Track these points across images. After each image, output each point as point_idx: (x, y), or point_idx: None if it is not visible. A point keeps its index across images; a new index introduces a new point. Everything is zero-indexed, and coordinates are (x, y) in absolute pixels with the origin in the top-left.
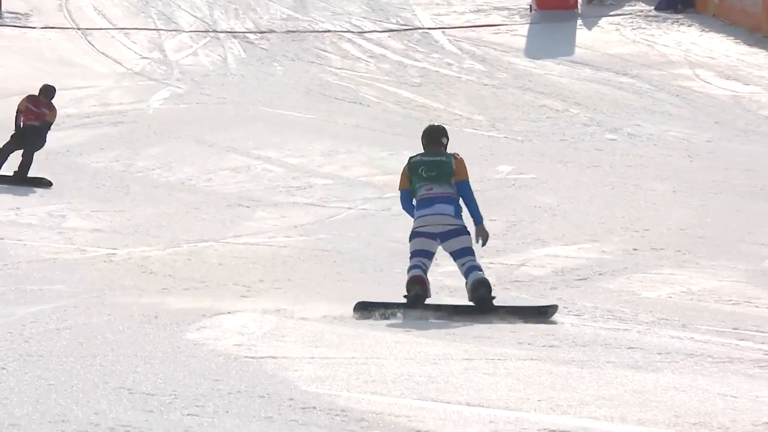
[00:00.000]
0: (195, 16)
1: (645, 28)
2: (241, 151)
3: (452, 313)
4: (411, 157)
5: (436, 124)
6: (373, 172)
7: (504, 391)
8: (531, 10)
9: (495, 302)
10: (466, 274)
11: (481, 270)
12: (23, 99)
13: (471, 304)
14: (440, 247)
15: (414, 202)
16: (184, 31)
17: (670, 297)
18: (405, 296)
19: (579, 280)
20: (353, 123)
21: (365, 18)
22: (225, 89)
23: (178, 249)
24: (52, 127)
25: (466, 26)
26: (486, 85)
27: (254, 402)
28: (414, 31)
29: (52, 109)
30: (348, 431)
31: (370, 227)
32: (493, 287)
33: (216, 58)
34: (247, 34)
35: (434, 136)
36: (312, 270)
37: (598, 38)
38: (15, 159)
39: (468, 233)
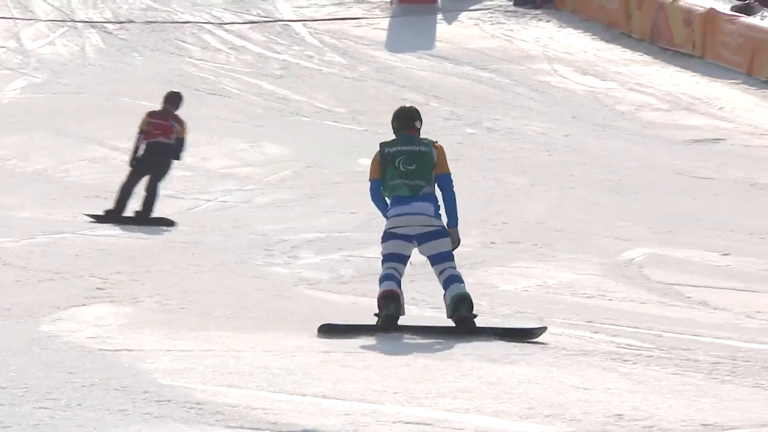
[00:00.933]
0: (52, 5)
1: (504, 23)
2: (99, 141)
3: (429, 333)
4: (384, 144)
5: (408, 105)
6: (234, 164)
7: (361, 383)
8: (392, 4)
9: (477, 321)
10: (444, 285)
11: (461, 281)
12: (144, 116)
13: (450, 324)
14: (416, 250)
15: (386, 196)
16: (40, 20)
17: (527, 290)
18: (376, 314)
19: None
20: (214, 114)
21: (226, 9)
22: (83, 79)
23: (33, 240)
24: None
25: (327, 19)
26: (347, 77)
27: (109, 394)
28: (275, 23)
29: (182, 123)
30: (203, 424)
31: (230, 219)
32: (474, 304)
33: (74, 47)
34: (105, 24)
35: (407, 119)
36: (171, 262)
37: (458, 32)
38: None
39: (447, 235)
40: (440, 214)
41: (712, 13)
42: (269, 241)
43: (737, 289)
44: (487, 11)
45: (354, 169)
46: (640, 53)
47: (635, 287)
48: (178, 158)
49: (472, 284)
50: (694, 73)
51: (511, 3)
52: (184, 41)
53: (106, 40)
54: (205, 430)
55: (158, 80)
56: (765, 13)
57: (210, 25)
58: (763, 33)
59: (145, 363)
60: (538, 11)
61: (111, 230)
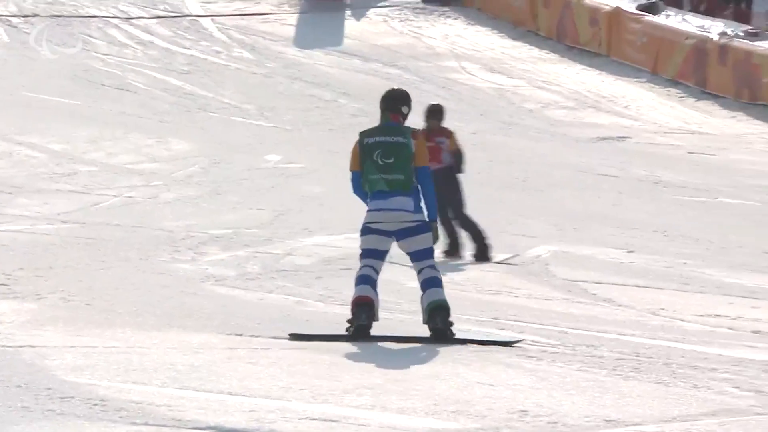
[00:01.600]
0: None
1: (412, 20)
2: (2, 136)
3: (403, 342)
4: (363, 134)
5: (397, 87)
6: (140, 160)
7: (266, 380)
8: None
9: (454, 330)
10: (422, 287)
11: (439, 284)
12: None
13: (425, 332)
14: (395, 244)
15: (366, 190)
16: None
17: None
18: (348, 321)
19: (345, 269)
20: (120, 110)
21: (132, 4)
22: None
23: None
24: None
25: (236, 14)
26: (255, 73)
27: (10, 391)
28: (182, 18)
29: (451, 136)
30: (107, 421)
31: (136, 215)
32: (450, 311)
33: None
34: (10, 18)
35: (393, 103)
36: (75, 258)
37: (367, 29)
38: None
39: (428, 230)
40: (421, 207)
41: (617, 12)
42: (175, 238)
43: (641, 286)
44: (395, 8)
45: (261, 165)
46: (547, 51)
47: (540, 284)
48: (461, 171)
49: (378, 280)
50: (600, 72)
51: (420, 0)
52: (90, 36)
53: (10, 34)
54: (109, 427)
55: (64, 75)
56: (669, 13)
57: (116, 19)
58: (668, 32)
59: (48, 360)
60: (446, 8)
61: (13, 225)
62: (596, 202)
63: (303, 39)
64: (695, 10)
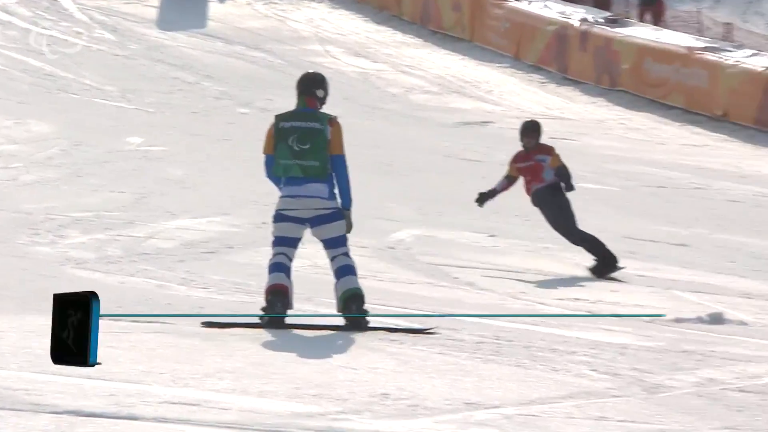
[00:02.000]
0: None
1: (276, 3)
2: None
3: (318, 330)
4: (279, 118)
5: (312, 71)
6: None
7: (127, 363)
8: None
9: (369, 319)
10: (336, 275)
11: (353, 272)
12: (510, 162)
13: (341, 320)
14: (309, 231)
15: (278, 175)
16: None
17: (297, 270)
18: (263, 309)
19: (207, 252)
20: None
21: None
22: None
23: None
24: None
25: None
26: (117, 55)
27: None
28: None
29: (552, 152)
30: None
31: None
32: (365, 299)
33: None
34: None
35: (308, 86)
36: None
37: (231, 12)
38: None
39: (342, 218)
40: (335, 194)
41: None
42: (34, 220)
43: (503, 270)
44: None
45: (123, 147)
46: (411, 36)
47: (404, 268)
48: (571, 188)
49: (241, 264)
50: (464, 57)
51: None
52: None
53: None
54: None
55: None
56: None
57: None
58: (530, 18)
59: None
60: None
61: None
62: (459, 187)
63: (166, 21)
64: None
